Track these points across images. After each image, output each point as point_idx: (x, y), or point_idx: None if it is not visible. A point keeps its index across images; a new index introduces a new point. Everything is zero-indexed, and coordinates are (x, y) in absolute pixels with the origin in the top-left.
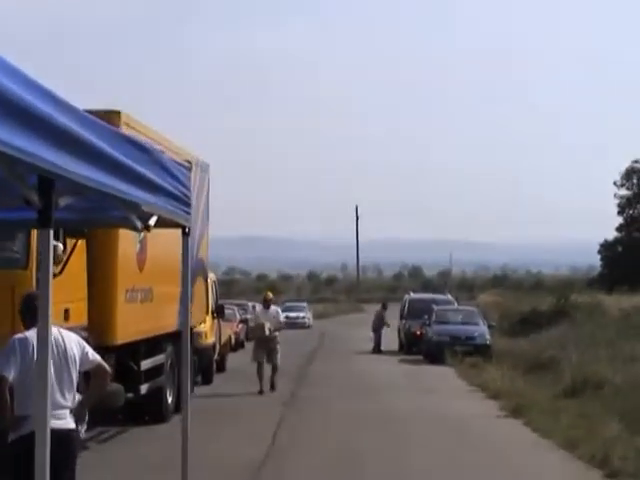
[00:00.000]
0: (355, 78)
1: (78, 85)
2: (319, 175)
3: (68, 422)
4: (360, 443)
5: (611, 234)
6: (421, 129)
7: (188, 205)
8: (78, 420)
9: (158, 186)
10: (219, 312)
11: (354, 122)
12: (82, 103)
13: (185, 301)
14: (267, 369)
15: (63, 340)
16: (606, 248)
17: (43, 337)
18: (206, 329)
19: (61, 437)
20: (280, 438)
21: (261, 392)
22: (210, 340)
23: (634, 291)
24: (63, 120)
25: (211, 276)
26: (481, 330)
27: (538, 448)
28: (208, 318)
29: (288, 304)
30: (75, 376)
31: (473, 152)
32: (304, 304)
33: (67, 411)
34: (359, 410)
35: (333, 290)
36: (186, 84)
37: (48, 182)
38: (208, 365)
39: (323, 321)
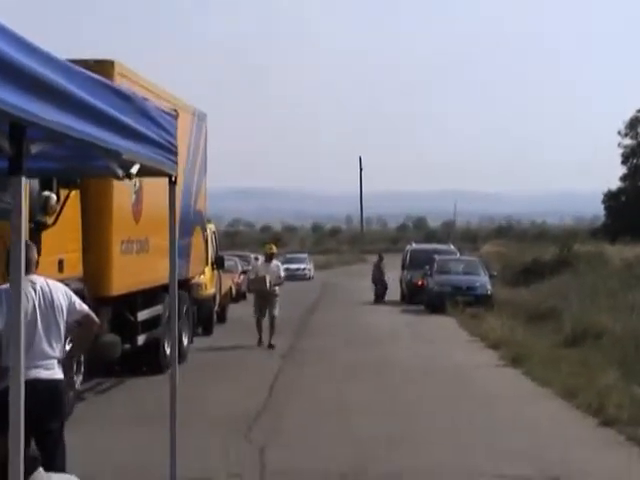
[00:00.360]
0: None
1: None
2: (324, 127)
3: (56, 372)
4: (357, 394)
5: (615, 183)
6: (424, 80)
7: (174, 153)
8: (67, 370)
9: (140, 134)
10: (219, 263)
11: (359, 72)
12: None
13: (173, 253)
14: (267, 325)
15: (50, 290)
16: (610, 198)
17: (16, 288)
18: (206, 280)
19: (49, 387)
20: (278, 390)
21: (259, 343)
22: (210, 291)
23: (637, 241)
24: (34, 66)
25: (211, 227)
26: (482, 280)
27: (536, 397)
28: (208, 269)
29: (288, 256)
30: (63, 326)
31: (477, 102)
32: (305, 255)
33: (55, 361)
34: (358, 361)
35: (337, 241)
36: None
37: (19, 129)
38: (208, 316)
39: (326, 272)
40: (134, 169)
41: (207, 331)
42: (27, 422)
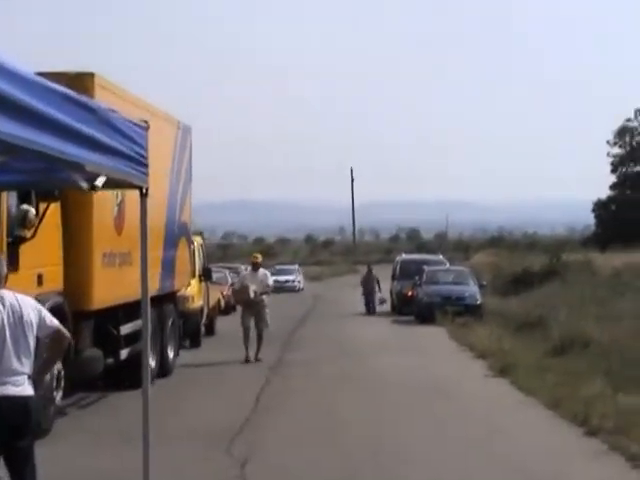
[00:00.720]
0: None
1: None
2: (318, 139)
3: (25, 389)
4: (343, 408)
5: (605, 192)
6: (414, 92)
7: (144, 165)
8: (47, 386)
9: (106, 146)
10: (206, 275)
11: (350, 85)
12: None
13: (144, 266)
14: (254, 336)
15: (19, 305)
16: (599, 207)
17: None
18: (193, 293)
19: (18, 404)
20: (262, 403)
21: (247, 360)
22: (197, 304)
23: (627, 249)
24: None
25: (198, 240)
26: (472, 290)
27: (522, 407)
28: (195, 282)
29: (278, 267)
30: (32, 342)
31: (468, 113)
32: (294, 267)
33: (24, 377)
34: (345, 373)
35: (330, 253)
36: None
37: None
38: (195, 329)
39: (318, 284)
40: (99, 181)
41: (195, 344)
42: None
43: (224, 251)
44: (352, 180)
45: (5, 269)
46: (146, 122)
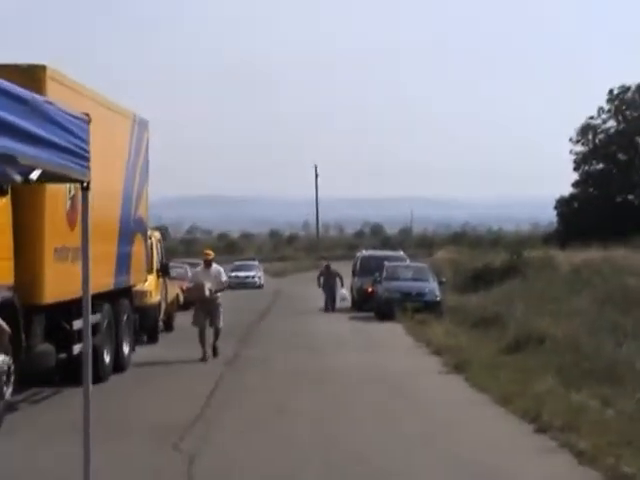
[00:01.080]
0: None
1: None
2: (285, 134)
3: None
4: (296, 403)
5: (567, 189)
6: (379, 88)
7: (85, 159)
8: None
9: (40, 138)
10: (164, 271)
11: (316, 77)
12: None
13: (86, 262)
14: (210, 333)
15: None
16: (562, 204)
17: None
18: (150, 288)
19: None
20: (216, 398)
21: (204, 359)
22: (155, 299)
23: (587, 246)
24: None
25: (155, 235)
26: (431, 286)
27: (474, 403)
28: (152, 277)
29: (237, 263)
30: None
31: (433, 109)
32: (255, 263)
33: None
34: (300, 369)
35: (294, 248)
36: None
37: None
38: (153, 324)
39: (280, 279)
40: (34, 174)
41: (152, 339)
42: None
43: (188, 246)
44: (316, 176)
45: None
46: (87, 115)
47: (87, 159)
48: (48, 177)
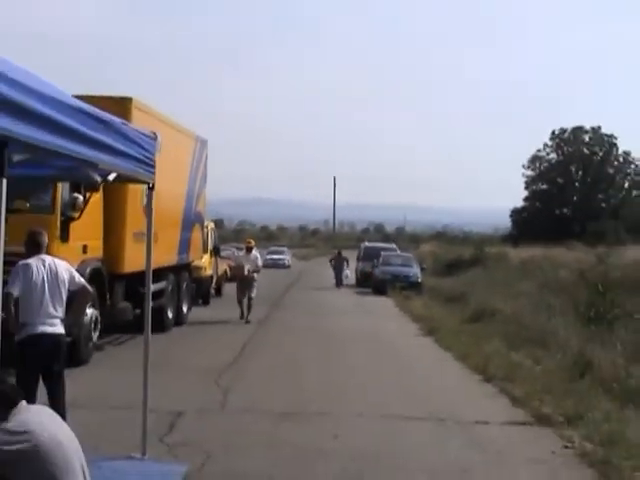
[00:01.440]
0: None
1: None
2: (313, 150)
3: (58, 328)
4: (307, 350)
5: (519, 203)
6: (383, 114)
7: (151, 166)
8: (71, 328)
9: (116, 149)
10: (216, 252)
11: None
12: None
13: (149, 246)
14: (246, 302)
15: (56, 266)
16: (515, 213)
17: None
18: (204, 264)
19: (53, 339)
20: (248, 348)
21: (242, 316)
22: (208, 272)
23: (533, 246)
24: (16, 97)
25: (210, 225)
26: (415, 271)
27: (439, 358)
28: (207, 256)
29: (272, 248)
30: (64, 294)
31: (423, 132)
32: (284, 248)
33: (58, 320)
34: (314, 327)
35: (317, 239)
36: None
37: (0, 143)
38: (206, 291)
39: (305, 262)
40: (111, 176)
41: (205, 302)
42: (37, 364)
43: (237, 235)
44: (334, 186)
45: (46, 239)
46: (154, 133)
47: (153, 166)
48: (122, 178)
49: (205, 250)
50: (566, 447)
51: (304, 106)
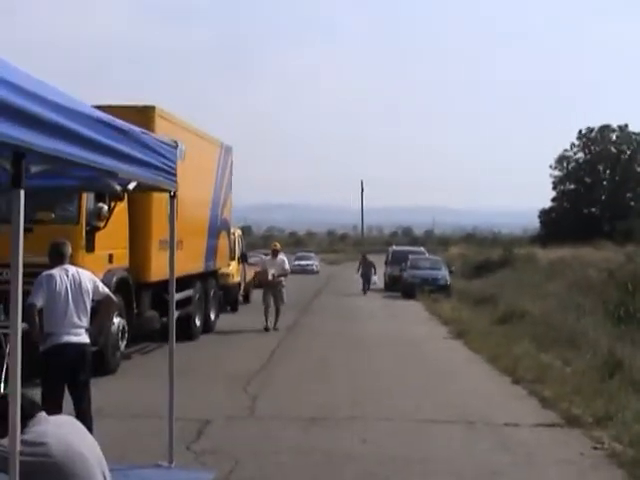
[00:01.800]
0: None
1: None
2: (338, 155)
3: (83, 337)
4: (335, 355)
5: (547, 204)
6: (415, 113)
7: (172, 174)
8: (97, 337)
9: (135, 158)
10: (244, 259)
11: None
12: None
13: (172, 255)
14: (273, 310)
15: (79, 276)
16: (544, 214)
17: (15, 277)
18: (232, 271)
19: (78, 349)
20: (276, 354)
21: (267, 329)
22: (235, 279)
23: (561, 246)
24: (34, 109)
25: (238, 232)
26: (443, 274)
27: (468, 360)
28: (234, 263)
29: (299, 254)
30: (88, 303)
31: (454, 134)
32: (312, 254)
33: (83, 330)
34: (342, 332)
35: (345, 244)
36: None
37: (18, 155)
38: (234, 298)
39: (334, 267)
40: (131, 185)
41: (233, 309)
42: (62, 374)
43: (265, 241)
44: (362, 190)
45: (69, 249)
46: (176, 142)
47: (174, 174)
48: (144, 187)
49: (232, 257)
50: (595, 448)
51: (325, 107)
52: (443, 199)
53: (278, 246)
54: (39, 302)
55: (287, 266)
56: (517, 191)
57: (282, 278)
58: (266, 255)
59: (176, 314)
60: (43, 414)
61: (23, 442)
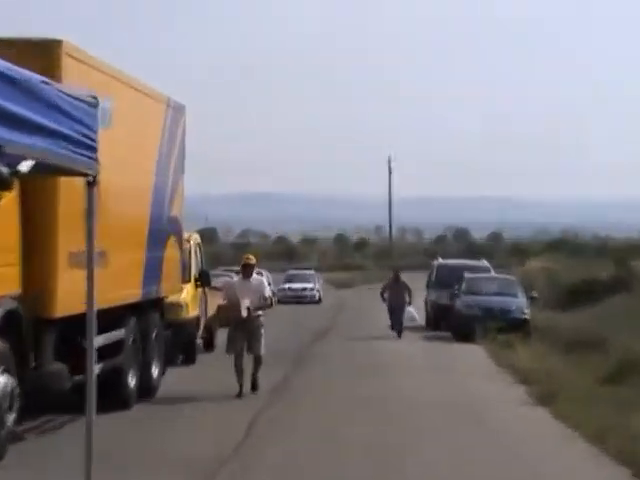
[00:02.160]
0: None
1: None
2: (351, 125)
3: None
4: (350, 436)
5: None
6: (476, 74)
7: (91, 149)
8: None
9: (34, 124)
10: (204, 280)
11: (387, 72)
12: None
13: (90, 269)
14: (248, 361)
15: None
16: None
17: None
18: (186, 300)
19: None
20: (254, 434)
21: (240, 394)
22: (191, 313)
23: None
24: None
25: (194, 237)
26: (519, 302)
27: (563, 442)
28: (189, 287)
29: (291, 272)
30: None
31: (531, 99)
32: (311, 272)
33: None
34: (360, 396)
35: (363, 255)
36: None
37: None
38: (190, 342)
39: (346, 291)
40: (24, 166)
41: (188, 360)
42: None
43: (240, 252)
44: (390, 172)
45: None
46: (95, 98)
47: (94, 149)
48: (46, 169)
49: (187, 278)
50: None
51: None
52: (515, 188)
53: (252, 260)
54: None
55: (268, 291)
56: (606, 175)
57: (260, 312)
58: (238, 274)
59: (97, 368)
60: None
61: None
